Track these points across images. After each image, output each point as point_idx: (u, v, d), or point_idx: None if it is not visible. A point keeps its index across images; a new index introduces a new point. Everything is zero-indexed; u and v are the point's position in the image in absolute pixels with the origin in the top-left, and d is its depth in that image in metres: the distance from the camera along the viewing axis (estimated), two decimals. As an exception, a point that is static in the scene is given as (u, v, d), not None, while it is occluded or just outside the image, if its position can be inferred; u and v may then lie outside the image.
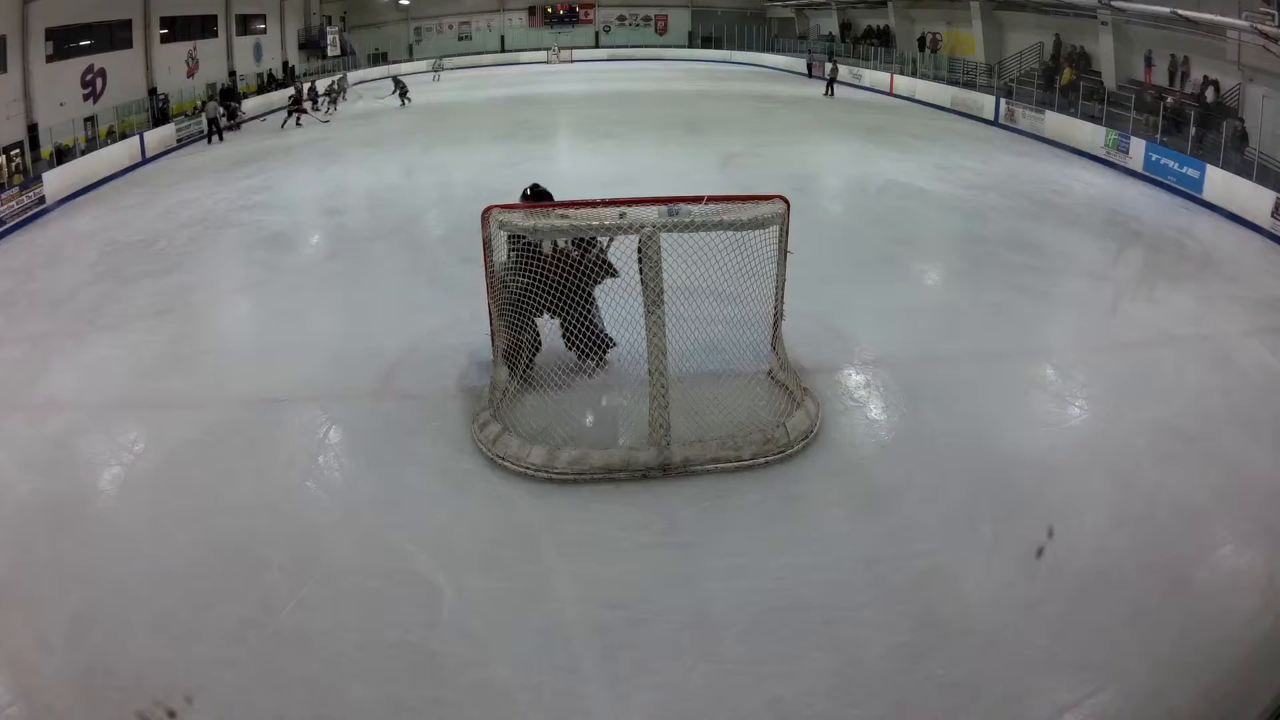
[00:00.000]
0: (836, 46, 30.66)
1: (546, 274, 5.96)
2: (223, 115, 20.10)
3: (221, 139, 19.55)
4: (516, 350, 6.25)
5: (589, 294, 6.34)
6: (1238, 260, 10.14)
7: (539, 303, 6.09)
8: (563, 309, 6.25)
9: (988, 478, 5.42)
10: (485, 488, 5.39)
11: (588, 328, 6.32)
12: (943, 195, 12.95)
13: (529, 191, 6.72)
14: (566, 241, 6.08)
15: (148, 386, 6.94)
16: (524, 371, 6.28)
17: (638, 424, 5.64)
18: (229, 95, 22.22)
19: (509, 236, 6.09)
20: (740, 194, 6.17)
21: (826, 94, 24.78)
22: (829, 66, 26.76)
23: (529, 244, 6.04)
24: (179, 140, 19.04)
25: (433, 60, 34.01)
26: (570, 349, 6.49)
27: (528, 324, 6.24)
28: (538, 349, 6.43)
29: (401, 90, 24.93)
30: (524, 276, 6.03)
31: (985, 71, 22.01)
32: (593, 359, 6.51)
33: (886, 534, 4.90)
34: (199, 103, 20.86)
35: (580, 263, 6.11)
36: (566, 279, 5.98)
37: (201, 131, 19.77)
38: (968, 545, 4.82)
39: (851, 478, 5.47)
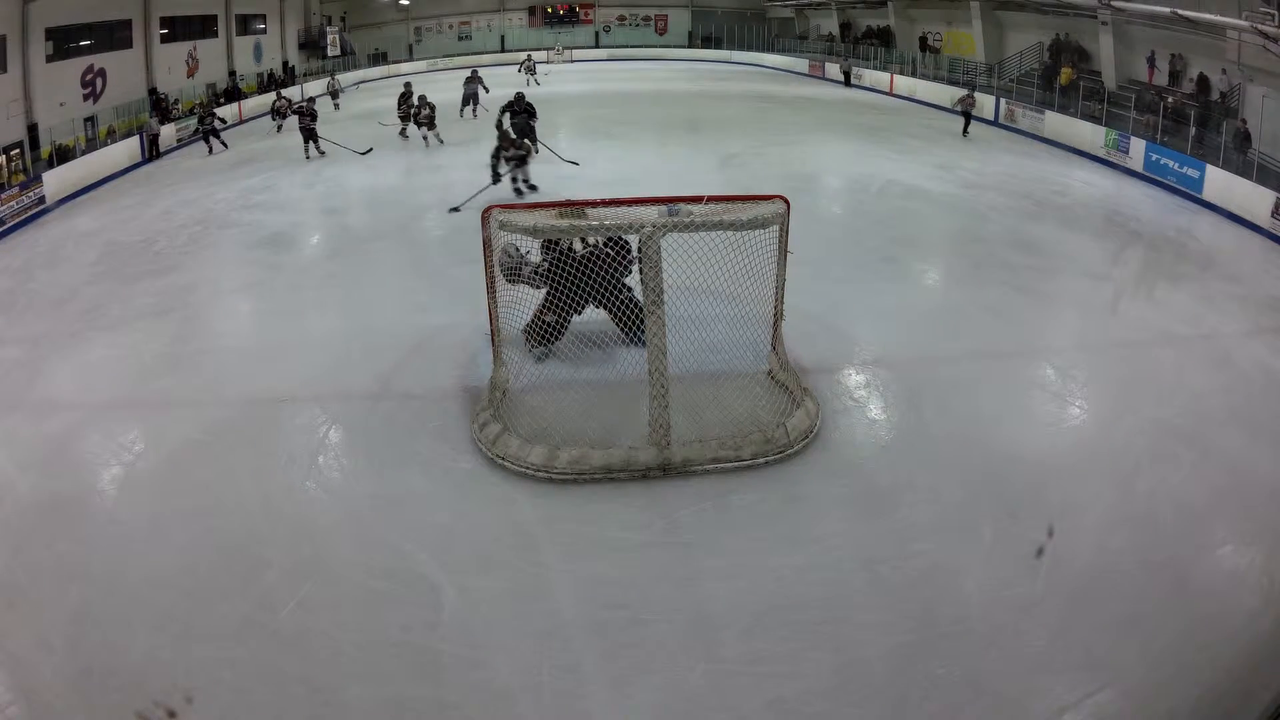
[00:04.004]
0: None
1: (583, 272, 6.24)
2: (155, 127, 18.22)
3: (158, 156, 17.78)
4: (543, 331, 6.63)
5: (624, 281, 6.68)
6: (1238, 260, 10.14)
7: (580, 298, 6.46)
8: (606, 300, 6.61)
9: (988, 478, 5.42)
10: (485, 488, 5.39)
11: (634, 308, 6.58)
12: (943, 195, 12.94)
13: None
14: (596, 240, 6.46)
15: (148, 386, 6.94)
16: (542, 349, 6.71)
17: (638, 424, 5.64)
18: (207, 107, 20.28)
19: (544, 242, 6.48)
20: (740, 194, 6.17)
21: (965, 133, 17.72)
22: (965, 96, 18.26)
23: (562, 249, 6.48)
24: (178, 140, 19.02)
25: (522, 61, 28.93)
26: (623, 330, 6.79)
27: (566, 316, 6.65)
28: (561, 335, 6.79)
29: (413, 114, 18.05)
30: (562, 276, 6.28)
31: (985, 71, 22.00)
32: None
33: (886, 534, 4.91)
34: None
35: (614, 258, 6.45)
36: (603, 272, 6.34)
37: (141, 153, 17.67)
38: (967, 545, 4.82)
39: (851, 478, 5.47)
